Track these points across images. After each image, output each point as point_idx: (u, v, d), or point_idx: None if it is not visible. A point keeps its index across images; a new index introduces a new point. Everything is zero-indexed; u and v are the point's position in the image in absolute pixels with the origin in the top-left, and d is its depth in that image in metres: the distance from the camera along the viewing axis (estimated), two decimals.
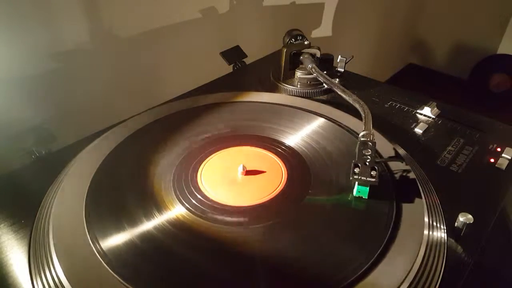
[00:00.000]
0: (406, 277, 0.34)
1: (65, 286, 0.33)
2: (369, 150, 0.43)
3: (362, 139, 0.45)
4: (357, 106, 0.53)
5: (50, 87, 0.67)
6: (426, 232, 0.38)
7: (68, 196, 0.42)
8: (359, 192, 0.41)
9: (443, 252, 0.38)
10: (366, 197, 0.41)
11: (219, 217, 0.40)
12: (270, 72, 0.71)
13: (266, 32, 1.10)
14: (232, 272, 0.35)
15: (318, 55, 0.67)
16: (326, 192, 0.44)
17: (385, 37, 1.87)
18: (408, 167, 0.46)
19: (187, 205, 0.41)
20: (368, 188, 0.41)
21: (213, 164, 0.48)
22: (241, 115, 0.57)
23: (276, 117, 0.56)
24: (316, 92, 0.65)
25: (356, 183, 0.41)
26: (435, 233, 0.39)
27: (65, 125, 0.61)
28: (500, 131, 0.58)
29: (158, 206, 0.41)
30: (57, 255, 0.35)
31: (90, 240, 0.37)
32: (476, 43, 2.03)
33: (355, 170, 0.41)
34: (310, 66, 0.64)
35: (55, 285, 0.34)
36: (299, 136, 0.52)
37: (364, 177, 0.41)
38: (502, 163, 0.50)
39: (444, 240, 0.39)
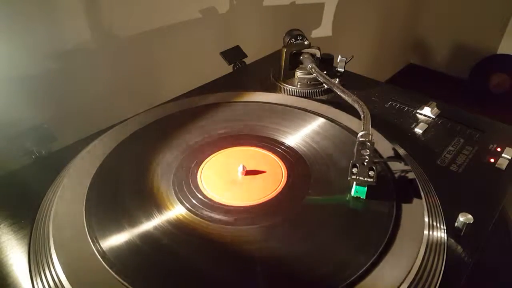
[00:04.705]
0: (406, 277, 0.34)
1: (65, 286, 0.33)
2: (367, 150, 0.43)
3: (360, 139, 0.45)
4: (356, 106, 0.53)
5: (50, 87, 0.67)
6: (426, 232, 0.38)
7: (68, 196, 0.42)
8: (357, 192, 0.41)
9: (443, 252, 0.38)
10: (364, 197, 0.41)
11: (219, 217, 0.40)
12: (270, 72, 0.71)
13: (266, 32, 1.10)
14: (232, 271, 0.35)
15: (318, 55, 0.67)
16: (326, 192, 0.44)
17: (385, 37, 1.87)
18: (408, 167, 0.46)
19: (187, 205, 0.41)
20: (366, 188, 0.41)
21: (213, 164, 0.48)
22: (241, 115, 0.57)
23: (276, 117, 0.56)
24: (316, 92, 0.65)
25: (354, 183, 0.41)
26: (435, 233, 0.39)
27: (65, 125, 0.61)
28: (500, 131, 0.58)
29: (158, 206, 0.41)
30: (57, 255, 0.35)
31: (90, 240, 0.37)
32: (476, 43, 2.03)
33: (353, 170, 0.41)
34: (310, 66, 0.64)
35: (55, 285, 0.34)
36: (299, 136, 0.52)
37: (361, 177, 0.41)
38: (502, 163, 0.50)
39: (444, 240, 0.39)
